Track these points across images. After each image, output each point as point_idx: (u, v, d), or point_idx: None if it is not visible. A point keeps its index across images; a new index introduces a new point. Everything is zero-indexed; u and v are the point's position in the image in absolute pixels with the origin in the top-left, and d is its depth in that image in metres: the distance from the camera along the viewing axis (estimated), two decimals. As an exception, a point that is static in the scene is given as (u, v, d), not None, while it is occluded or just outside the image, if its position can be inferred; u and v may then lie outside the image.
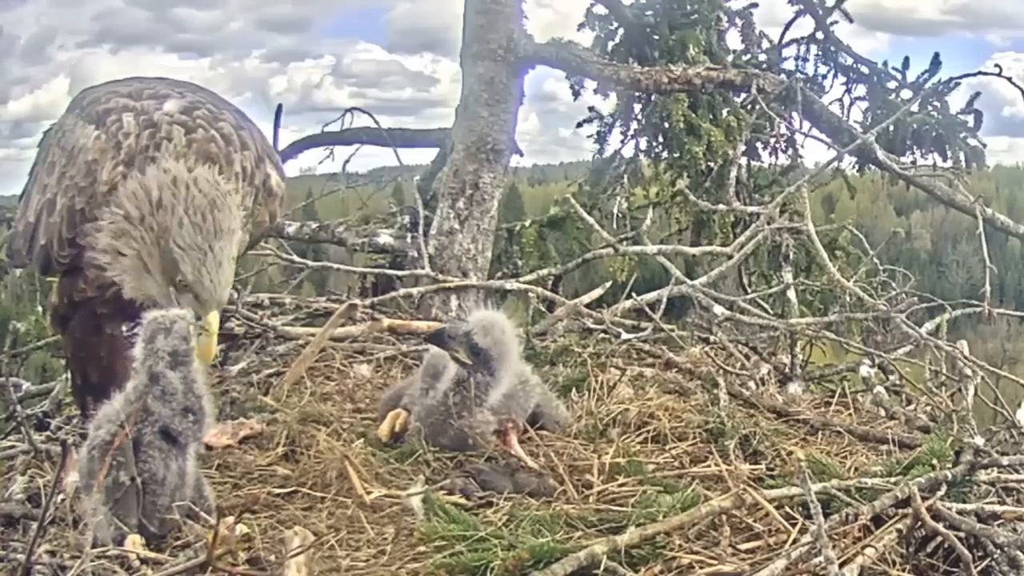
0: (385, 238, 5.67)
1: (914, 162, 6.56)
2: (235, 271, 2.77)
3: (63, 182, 2.82)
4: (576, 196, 6.72)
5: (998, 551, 2.40)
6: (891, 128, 6.41)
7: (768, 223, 5.09)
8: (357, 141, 7.01)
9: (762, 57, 7.04)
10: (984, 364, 4.00)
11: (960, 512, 2.51)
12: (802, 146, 6.96)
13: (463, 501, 2.68)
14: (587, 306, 4.73)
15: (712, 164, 6.62)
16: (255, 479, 2.87)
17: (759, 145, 7.02)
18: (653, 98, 6.65)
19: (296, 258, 5.46)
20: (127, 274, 2.69)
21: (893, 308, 4.35)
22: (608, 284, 5.49)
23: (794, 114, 6.40)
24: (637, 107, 6.97)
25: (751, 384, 3.93)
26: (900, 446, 3.20)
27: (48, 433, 3.46)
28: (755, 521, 2.49)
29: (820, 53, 7.13)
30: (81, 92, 3.20)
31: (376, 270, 5.62)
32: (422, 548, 2.41)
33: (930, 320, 4.43)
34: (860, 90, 7.14)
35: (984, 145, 6.90)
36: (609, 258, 5.70)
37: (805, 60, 7.14)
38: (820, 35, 7.09)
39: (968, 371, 3.90)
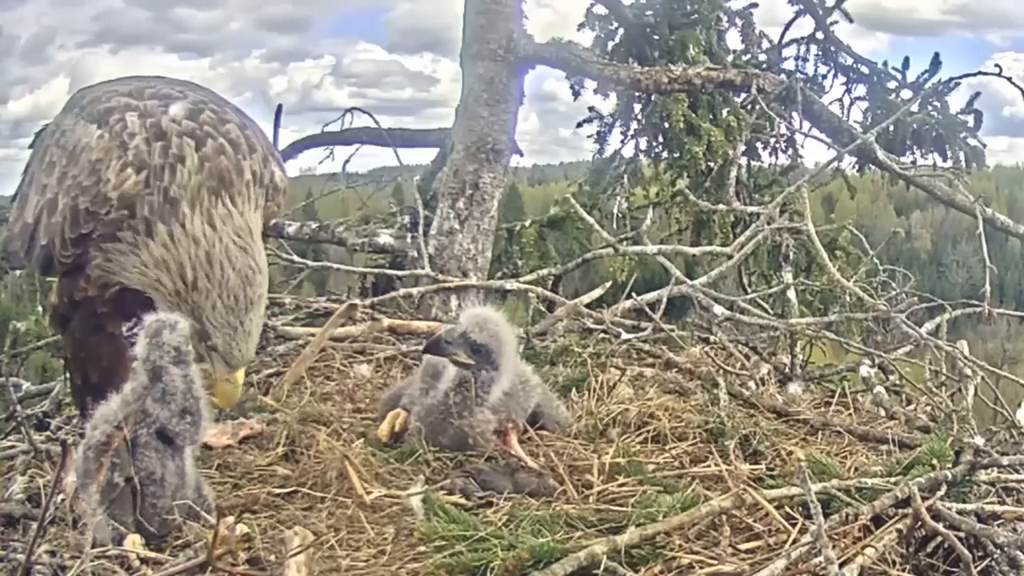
0: (385, 238, 5.67)
1: (914, 162, 6.57)
2: None
3: (65, 182, 2.81)
4: (576, 196, 6.71)
5: (998, 551, 2.40)
6: (891, 128, 6.42)
7: (768, 223, 5.09)
8: (357, 141, 7.01)
9: (762, 57, 7.04)
10: (984, 364, 4.00)
11: (960, 512, 2.51)
12: (802, 146, 6.98)
13: (463, 501, 2.68)
14: (587, 306, 4.73)
15: (712, 164, 6.61)
16: (255, 479, 2.88)
17: (759, 145, 7.02)
18: (653, 98, 6.65)
19: (296, 258, 5.46)
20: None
21: (893, 308, 4.35)
22: (608, 284, 5.49)
23: (794, 114, 6.41)
24: (637, 107, 6.97)
25: (751, 384, 3.93)
26: (900, 446, 3.20)
27: (48, 433, 3.46)
28: (755, 521, 2.49)
29: (820, 53, 7.14)
30: (77, 92, 3.19)
31: (376, 270, 5.61)
32: (422, 548, 2.41)
33: (930, 320, 4.43)
34: (860, 90, 7.15)
35: (984, 145, 6.91)
36: (609, 258, 5.70)
37: (805, 60, 7.15)
38: (820, 35, 7.09)
39: (968, 371, 3.90)
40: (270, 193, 2.94)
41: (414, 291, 5.01)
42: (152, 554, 2.32)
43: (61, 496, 2.51)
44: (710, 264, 5.27)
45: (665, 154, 7.01)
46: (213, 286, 2.64)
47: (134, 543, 2.33)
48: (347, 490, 2.73)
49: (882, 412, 3.70)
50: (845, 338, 4.50)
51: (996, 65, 6.14)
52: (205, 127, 2.83)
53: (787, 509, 2.50)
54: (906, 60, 7.14)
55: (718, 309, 4.53)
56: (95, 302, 2.83)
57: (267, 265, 2.79)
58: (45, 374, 5.11)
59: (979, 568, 2.38)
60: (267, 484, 2.82)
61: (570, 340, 4.28)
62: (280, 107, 6.19)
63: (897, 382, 4.09)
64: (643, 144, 7.09)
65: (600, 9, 6.86)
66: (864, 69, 7.13)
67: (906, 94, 6.97)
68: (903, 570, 2.36)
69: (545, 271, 5.60)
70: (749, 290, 5.93)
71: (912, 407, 3.81)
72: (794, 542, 2.34)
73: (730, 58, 6.88)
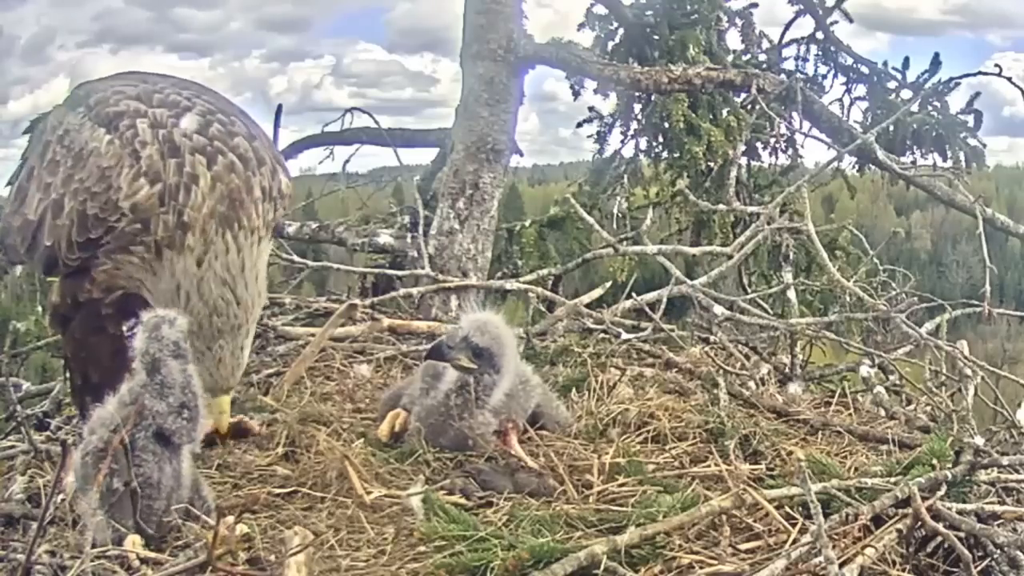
0: (385, 238, 5.67)
1: (914, 162, 6.57)
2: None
3: (71, 184, 2.81)
4: (576, 196, 6.71)
5: (998, 551, 2.40)
6: (891, 128, 6.42)
7: (768, 223, 5.09)
8: (357, 141, 7.01)
9: (762, 57, 7.04)
10: (984, 364, 4.01)
11: (960, 512, 2.51)
12: (802, 146, 6.97)
13: (463, 501, 2.68)
14: (587, 306, 4.73)
15: (712, 164, 6.61)
16: (255, 479, 2.87)
17: (759, 145, 7.02)
18: (653, 98, 6.65)
19: (296, 258, 5.46)
20: None
21: (893, 308, 4.35)
22: (608, 284, 5.48)
23: (794, 114, 6.41)
24: (637, 107, 6.96)
25: (751, 384, 3.93)
26: (900, 446, 3.20)
27: (48, 433, 3.46)
28: (755, 521, 2.49)
29: (820, 53, 7.13)
30: (79, 87, 3.19)
31: (376, 270, 5.61)
32: (422, 548, 2.41)
33: (930, 320, 4.43)
34: (860, 90, 7.14)
35: (984, 145, 6.91)
36: (609, 258, 5.70)
37: (805, 60, 7.15)
38: (820, 35, 7.08)
39: (968, 371, 3.90)
40: (277, 203, 2.97)
41: (414, 291, 5.01)
42: (152, 554, 2.32)
43: (61, 496, 2.51)
44: (710, 264, 5.27)
45: (665, 154, 7.01)
46: (191, 313, 2.72)
47: (134, 543, 2.33)
48: (347, 490, 2.73)
49: (882, 412, 3.70)
50: (845, 338, 4.50)
51: (996, 65, 6.15)
52: (215, 142, 2.86)
53: (787, 509, 2.50)
54: (906, 60, 7.16)
55: (718, 309, 4.53)
56: (99, 303, 2.83)
57: (256, 296, 2.87)
58: (45, 374, 5.11)
59: (979, 568, 2.38)
60: (267, 484, 2.82)
61: (570, 340, 4.27)
62: (280, 107, 6.18)
63: (897, 382, 4.09)
64: (643, 144, 7.09)
65: (600, 9, 6.86)
66: (864, 69, 7.13)
67: (906, 94, 6.97)
68: (903, 570, 2.36)
69: (545, 271, 5.60)
70: (749, 290, 5.93)
71: (912, 407, 3.81)
72: (794, 542, 2.34)
73: (730, 58, 6.87)
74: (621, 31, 6.87)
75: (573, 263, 5.69)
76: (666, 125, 6.69)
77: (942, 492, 2.57)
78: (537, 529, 2.42)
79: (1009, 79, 5.97)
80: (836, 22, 7.07)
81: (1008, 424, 3.53)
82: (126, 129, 2.81)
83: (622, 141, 7.06)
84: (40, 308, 5.16)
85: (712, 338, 4.43)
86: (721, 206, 5.86)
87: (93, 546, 2.30)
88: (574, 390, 3.55)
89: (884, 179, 6.85)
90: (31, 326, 5.06)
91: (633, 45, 6.82)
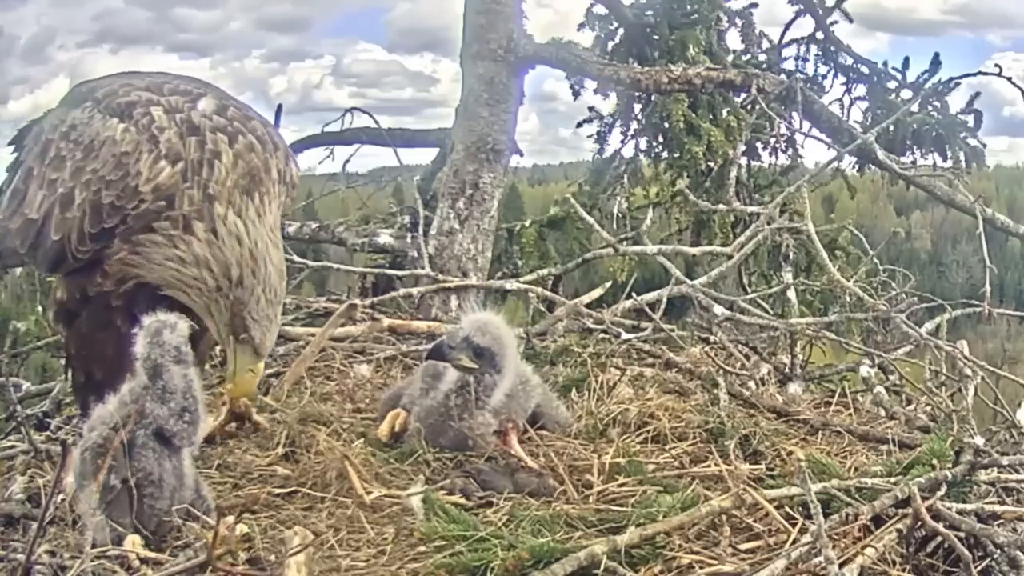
0: (385, 238, 5.67)
1: (914, 162, 6.57)
2: None
3: (81, 176, 2.79)
4: (576, 196, 6.71)
5: (998, 551, 2.40)
6: (891, 128, 6.42)
7: (768, 223, 5.09)
8: (357, 141, 7.01)
9: (762, 57, 7.04)
10: (984, 364, 4.01)
11: (960, 512, 2.51)
12: (802, 146, 6.97)
13: (463, 501, 2.68)
14: (587, 306, 4.73)
15: (712, 164, 6.61)
16: (255, 479, 2.88)
17: (759, 145, 7.02)
18: (653, 98, 6.65)
19: (296, 258, 5.45)
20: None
21: (893, 308, 4.35)
22: (608, 284, 5.49)
23: (794, 114, 6.41)
24: (637, 107, 6.96)
25: (751, 384, 3.93)
26: (900, 446, 3.20)
27: (48, 433, 3.46)
28: (755, 521, 2.49)
29: (820, 53, 7.13)
30: (76, 87, 3.17)
31: (376, 270, 5.62)
32: (422, 548, 2.41)
33: (930, 320, 4.43)
34: (860, 90, 7.14)
35: (984, 145, 6.91)
36: (609, 258, 5.70)
37: (805, 60, 7.15)
38: (820, 35, 7.08)
39: (968, 371, 3.90)
40: (288, 189, 3.00)
41: (414, 291, 5.01)
42: (152, 554, 2.32)
43: (61, 496, 2.51)
44: (710, 264, 5.27)
45: (665, 154, 7.01)
46: (258, 281, 2.75)
47: (134, 543, 2.33)
48: (347, 490, 2.73)
49: (882, 412, 3.70)
50: (845, 338, 4.50)
51: (996, 65, 6.16)
52: (235, 123, 2.88)
53: (787, 509, 2.50)
54: (906, 60, 7.16)
55: (718, 309, 4.53)
56: (109, 296, 2.83)
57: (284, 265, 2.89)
58: (45, 374, 5.10)
59: (979, 568, 2.38)
60: (267, 484, 2.82)
61: (570, 340, 4.27)
62: (280, 107, 6.19)
63: (897, 382, 4.09)
64: (643, 144, 7.09)
65: (600, 9, 6.86)
66: (864, 69, 7.13)
67: (906, 94, 6.97)
68: (903, 570, 2.37)
69: (545, 271, 5.60)
70: (749, 290, 5.93)
71: (912, 407, 3.81)
72: (794, 542, 2.34)
73: (730, 58, 6.87)
74: (621, 31, 6.87)
75: (573, 263, 5.69)
76: (666, 125, 6.69)
77: (942, 492, 2.57)
78: (537, 529, 2.42)
79: (1009, 79, 5.97)
80: (836, 22, 7.07)
81: (1008, 424, 3.53)
82: (141, 117, 2.80)
83: (622, 141, 7.07)
84: (40, 308, 5.16)
85: (712, 338, 4.43)
86: (721, 206, 5.87)
87: (93, 546, 2.30)
88: (574, 390, 3.55)
89: (884, 179, 6.85)
90: (31, 326, 5.06)
91: (633, 45, 6.82)
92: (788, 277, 5.34)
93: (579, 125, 7.10)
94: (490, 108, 5.38)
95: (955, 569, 2.41)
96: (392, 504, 2.66)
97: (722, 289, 5.17)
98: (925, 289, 5.10)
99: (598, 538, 2.33)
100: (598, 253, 5.62)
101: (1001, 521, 2.57)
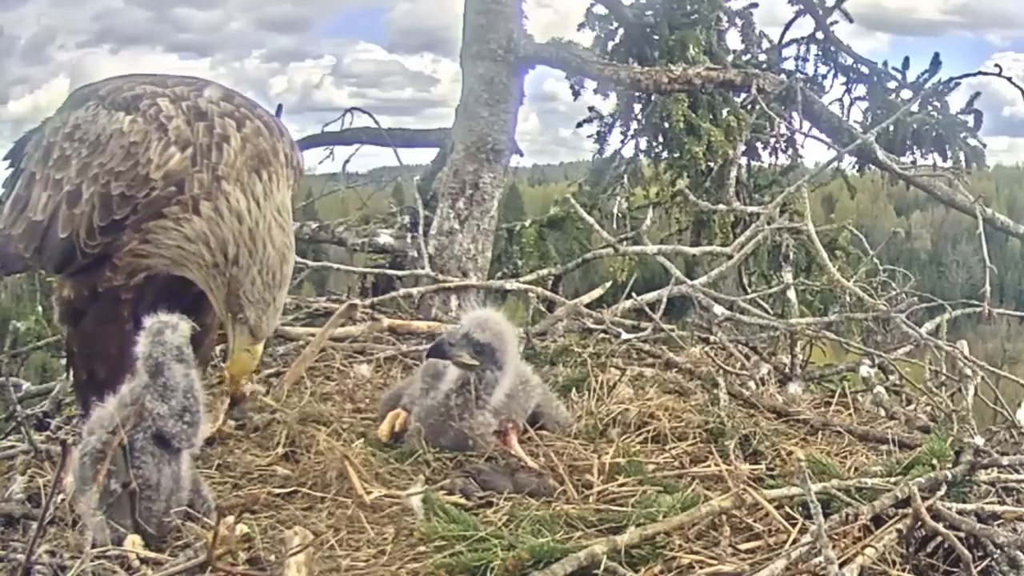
0: (385, 238, 5.67)
1: (914, 162, 6.57)
2: None
3: (89, 171, 2.80)
4: (576, 196, 6.71)
5: (998, 551, 2.40)
6: (891, 128, 6.42)
7: (768, 223, 5.09)
8: (357, 141, 7.01)
9: (762, 57, 7.04)
10: (984, 364, 4.01)
11: (960, 512, 2.51)
12: (802, 146, 6.98)
13: (463, 501, 2.68)
14: (587, 306, 4.73)
15: (712, 164, 6.61)
16: (255, 479, 2.88)
17: (759, 145, 7.02)
18: (653, 98, 6.65)
19: (296, 258, 5.44)
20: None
21: (893, 308, 4.35)
22: (608, 284, 5.49)
23: (794, 114, 6.41)
24: (637, 107, 6.96)
25: (751, 384, 3.93)
26: (900, 446, 3.20)
27: (48, 433, 3.46)
28: (755, 521, 2.49)
29: (820, 53, 7.13)
30: (77, 90, 3.18)
31: (376, 270, 5.62)
32: (422, 548, 2.41)
33: (930, 320, 4.43)
34: (860, 90, 7.14)
35: (984, 145, 6.91)
36: (609, 258, 5.70)
37: (805, 60, 7.15)
38: (820, 35, 7.08)
39: (968, 371, 3.90)
40: (296, 175, 3.01)
41: (414, 291, 5.01)
42: (152, 554, 2.32)
43: (61, 496, 2.51)
44: (710, 264, 5.27)
45: (665, 154, 7.01)
46: (254, 262, 2.73)
47: (134, 543, 2.33)
48: (347, 490, 2.73)
49: (882, 412, 3.70)
50: (845, 338, 4.50)
51: (996, 65, 6.16)
52: (241, 109, 2.91)
53: (787, 509, 2.50)
54: (906, 60, 7.16)
55: (718, 309, 4.53)
56: (118, 290, 2.83)
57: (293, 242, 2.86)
58: (45, 374, 5.10)
59: (979, 568, 2.38)
60: (267, 484, 2.82)
61: (570, 340, 4.27)
62: (280, 107, 6.15)
63: (897, 382, 4.09)
64: (643, 144, 7.09)
65: (600, 9, 6.86)
66: (864, 69, 7.13)
67: (906, 94, 6.97)
68: (903, 570, 2.37)
69: (545, 271, 5.60)
70: (749, 290, 5.93)
71: (912, 407, 3.81)
72: (794, 542, 2.34)
73: (730, 58, 6.87)
74: (621, 31, 6.87)
75: (573, 263, 5.69)
76: (666, 125, 6.69)
77: (942, 492, 2.57)
78: (537, 529, 2.42)
79: (1009, 79, 5.97)
80: (836, 22, 7.07)
81: (1008, 424, 3.53)
82: (148, 107, 2.82)
83: (622, 141, 7.07)
84: (40, 308, 5.16)
85: (712, 338, 4.43)
86: (721, 206, 5.87)
87: (93, 546, 2.30)
88: (574, 390, 3.55)
89: (884, 179, 6.85)
90: (31, 326, 5.06)
91: (633, 45, 6.82)
92: (788, 277, 5.34)
93: (579, 125, 7.11)
94: (490, 108, 5.38)
95: (955, 569, 2.41)
96: (392, 504, 2.66)
97: (722, 289, 5.17)
98: (925, 289, 5.11)
99: (598, 538, 2.33)
100: (598, 253, 5.62)
101: (1001, 521, 2.57)
